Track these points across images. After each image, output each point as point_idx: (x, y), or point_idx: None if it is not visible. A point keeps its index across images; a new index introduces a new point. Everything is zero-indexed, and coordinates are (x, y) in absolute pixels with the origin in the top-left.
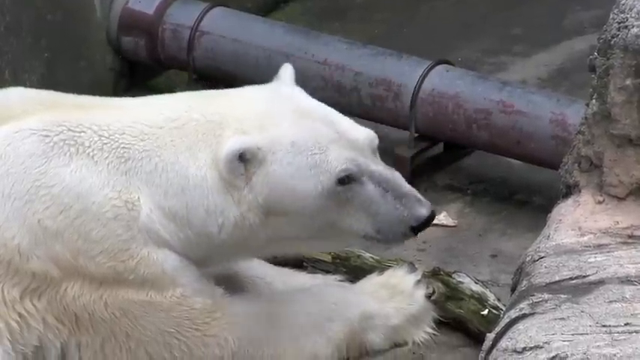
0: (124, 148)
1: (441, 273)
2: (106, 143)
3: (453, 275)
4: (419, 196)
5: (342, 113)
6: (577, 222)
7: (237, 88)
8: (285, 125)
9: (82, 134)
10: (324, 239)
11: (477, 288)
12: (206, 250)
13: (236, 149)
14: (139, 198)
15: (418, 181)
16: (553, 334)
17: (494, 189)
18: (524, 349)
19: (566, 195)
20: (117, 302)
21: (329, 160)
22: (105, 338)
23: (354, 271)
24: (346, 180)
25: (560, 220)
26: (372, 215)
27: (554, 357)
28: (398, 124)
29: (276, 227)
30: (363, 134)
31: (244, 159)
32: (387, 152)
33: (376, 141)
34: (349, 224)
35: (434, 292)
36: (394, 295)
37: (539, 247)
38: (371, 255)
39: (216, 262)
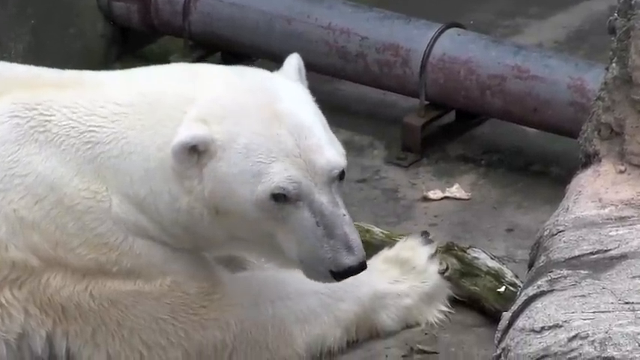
0: (91, 131)
1: (455, 248)
2: (73, 127)
3: (468, 251)
4: (352, 243)
5: (348, 80)
6: (597, 193)
7: (230, 66)
8: (247, 124)
9: (52, 118)
10: (271, 251)
11: (493, 264)
12: (184, 239)
13: (185, 141)
14: (106, 189)
15: (429, 152)
16: (573, 313)
17: (509, 159)
18: (542, 328)
19: (586, 165)
20: (104, 293)
21: (271, 172)
22: (95, 328)
23: None
24: (281, 198)
25: (580, 191)
26: (298, 243)
27: (574, 336)
28: (407, 91)
29: (225, 225)
30: (324, 159)
31: (197, 150)
32: (395, 121)
33: (336, 171)
34: (282, 242)
35: (447, 268)
36: (407, 272)
37: (557, 221)
38: (380, 230)
39: (206, 249)
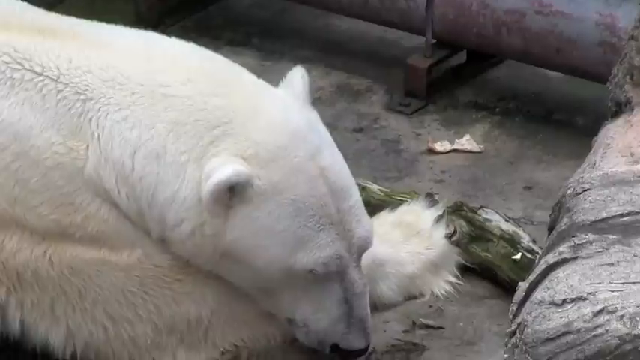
0: (87, 85)
1: (465, 209)
2: (64, 74)
3: (479, 211)
4: (368, 326)
5: (345, 15)
6: (629, 146)
7: (255, 81)
8: (296, 179)
9: (35, 57)
10: (257, 299)
11: (507, 227)
12: (157, 237)
13: (228, 181)
14: (87, 147)
15: (436, 98)
16: (599, 283)
17: (527, 107)
18: (564, 301)
19: (616, 114)
20: (64, 260)
21: (319, 244)
22: (54, 298)
23: None
24: (319, 272)
25: (609, 144)
26: (314, 309)
27: (600, 310)
28: (412, 28)
29: (221, 267)
30: (364, 231)
31: (233, 190)
32: (398, 62)
33: (371, 241)
34: (288, 302)
35: (455, 231)
36: (409, 237)
37: (582, 178)
38: (379, 187)
39: None
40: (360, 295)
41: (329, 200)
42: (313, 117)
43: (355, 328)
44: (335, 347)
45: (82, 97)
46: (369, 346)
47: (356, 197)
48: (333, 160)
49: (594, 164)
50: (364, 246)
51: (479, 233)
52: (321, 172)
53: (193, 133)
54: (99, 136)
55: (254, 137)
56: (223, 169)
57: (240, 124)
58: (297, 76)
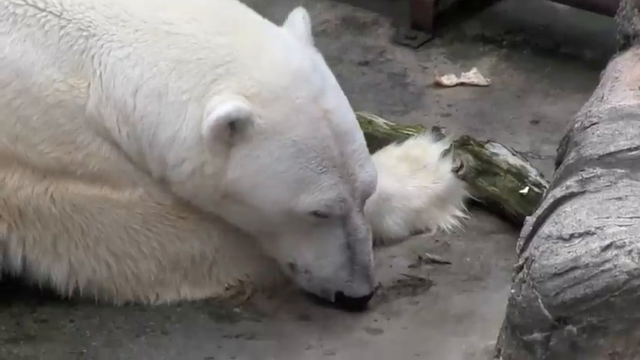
0: (90, 22)
1: (471, 143)
2: (67, 10)
3: (486, 145)
4: (371, 273)
5: None
6: (637, 80)
7: (260, 20)
8: (297, 120)
9: None
10: (259, 242)
11: (515, 161)
12: (158, 177)
13: (228, 116)
14: (88, 85)
15: (442, 30)
16: (607, 218)
17: (535, 40)
18: (571, 235)
19: (624, 47)
20: (66, 197)
21: (321, 186)
22: (56, 235)
23: None
24: (322, 214)
25: (617, 77)
26: (316, 255)
27: (608, 245)
28: None
29: (223, 208)
30: (366, 175)
31: (234, 127)
32: None
33: (374, 187)
34: (290, 246)
35: (462, 165)
36: (416, 171)
37: (590, 111)
38: (385, 121)
39: None
40: (363, 240)
41: (332, 143)
42: (317, 58)
43: (358, 275)
44: (340, 295)
45: (84, 33)
46: (373, 293)
47: (360, 141)
48: (338, 102)
49: (602, 97)
50: (367, 191)
51: (486, 167)
52: (324, 114)
53: (196, 71)
54: (101, 73)
55: (257, 76)
56: (224, 105)
57: (243, 63)
58: (299, 17)
